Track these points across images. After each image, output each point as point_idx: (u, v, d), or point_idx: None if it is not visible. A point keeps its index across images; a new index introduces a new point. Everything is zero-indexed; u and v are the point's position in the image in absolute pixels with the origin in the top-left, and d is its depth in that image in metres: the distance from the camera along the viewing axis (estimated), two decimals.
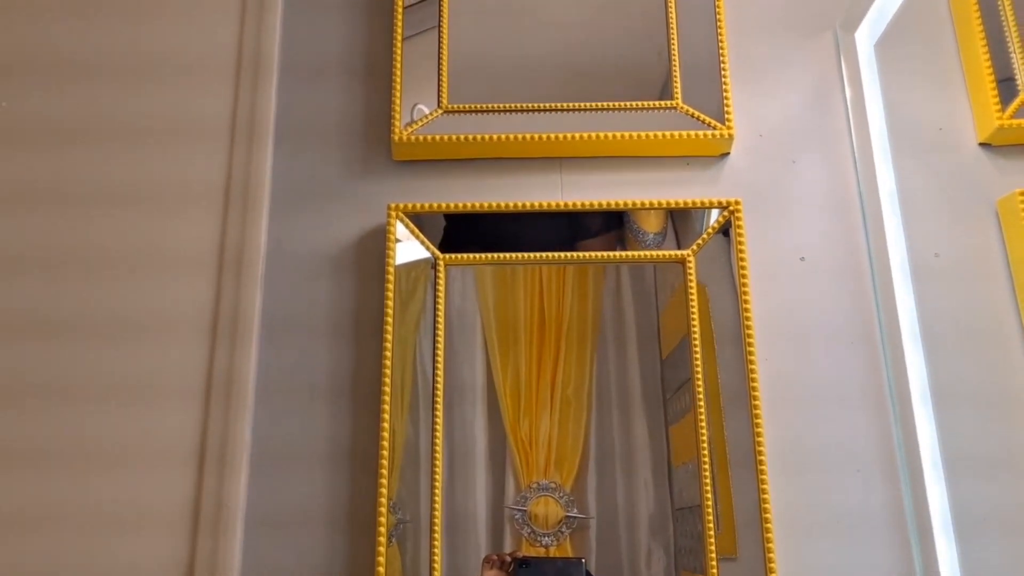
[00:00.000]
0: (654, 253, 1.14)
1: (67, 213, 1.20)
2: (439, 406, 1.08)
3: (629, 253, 1.15)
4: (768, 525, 1.03)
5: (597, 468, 1.08)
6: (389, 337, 1.10)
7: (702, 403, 1.07)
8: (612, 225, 1.17)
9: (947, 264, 1.08)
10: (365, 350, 1.13)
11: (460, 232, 1.17)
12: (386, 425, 1.07)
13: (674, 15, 1.24)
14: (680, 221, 1.17)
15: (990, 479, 0.99)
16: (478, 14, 1.25)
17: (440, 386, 1.09)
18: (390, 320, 1.11)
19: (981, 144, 1.10)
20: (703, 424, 1.07)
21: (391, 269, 1.13)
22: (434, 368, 1.10)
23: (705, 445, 1.06)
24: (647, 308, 1.14)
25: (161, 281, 1.16)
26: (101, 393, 1.12)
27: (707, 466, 1.06)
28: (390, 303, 1.12)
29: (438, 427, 1.08)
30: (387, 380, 1.09)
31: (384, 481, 1.05)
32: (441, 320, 1.12)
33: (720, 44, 1.22)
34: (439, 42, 1.23)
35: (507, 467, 1.08)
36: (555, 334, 1.12)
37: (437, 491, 1.06)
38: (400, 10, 1.25)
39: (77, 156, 1.22)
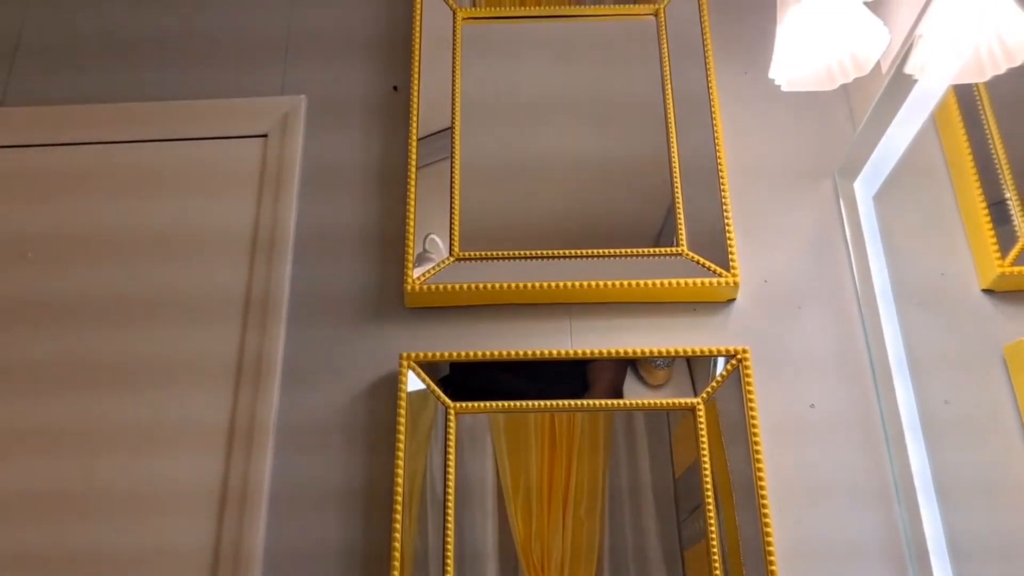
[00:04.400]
0: (666, 401, 1.15)
1: (81, 389, 1.21)
2: (450, 561, 1.07)
3: (640, 401, 1.16)
4: None
5: None
6: (400, 482, 1.11)
7: (716, 548, 1.07)
8: None
9: (958, 411, 1.08)
10: (376, 513, 1.13)
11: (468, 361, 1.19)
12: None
13: (677, 164, 1.28)
14: None
15: None
16: (488, 165, 1.30)
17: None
18: (401, 473, 1.11)
19: (984, 290, 1.11)
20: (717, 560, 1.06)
21: (403, 422, 1.14)
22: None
23: None
24: (658, 425, 1.15)
25: (175, 455, 1.17)
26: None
27: None
28: (401, 459, 1.12)
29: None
30: (397, 544, 1.08)
31: None
32: (452, 455, 1.12)
33: (722, 191, 1.26)
34: (451, 193, 1.27)
35: None
36: (567, 453, 1.13)
37: None
38: (414, 173, 1.29)
39: (85, 328, 1.25)
